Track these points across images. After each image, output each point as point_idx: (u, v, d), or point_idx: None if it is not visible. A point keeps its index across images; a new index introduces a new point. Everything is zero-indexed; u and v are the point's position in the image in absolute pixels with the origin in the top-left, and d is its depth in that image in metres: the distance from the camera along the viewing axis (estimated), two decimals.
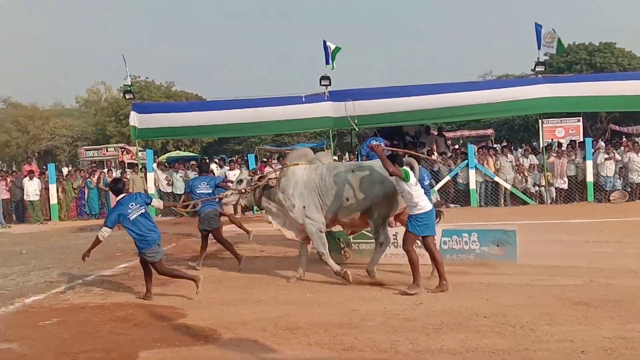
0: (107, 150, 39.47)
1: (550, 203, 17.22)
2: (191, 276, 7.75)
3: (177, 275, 7.87)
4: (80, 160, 40.56)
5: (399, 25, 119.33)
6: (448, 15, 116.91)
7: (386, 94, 17.48)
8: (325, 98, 17.77)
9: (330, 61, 17.77)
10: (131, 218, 7.44)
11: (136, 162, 22.27)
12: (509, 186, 17.31)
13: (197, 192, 9.72)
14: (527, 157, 18.00)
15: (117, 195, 7.77)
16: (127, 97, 20.07)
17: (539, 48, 17.35)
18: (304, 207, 8.27)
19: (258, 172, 9.07)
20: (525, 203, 17.18)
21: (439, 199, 17.66)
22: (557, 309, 6.27)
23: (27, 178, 18.91)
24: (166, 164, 23.29)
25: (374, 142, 9.74)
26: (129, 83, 19.89)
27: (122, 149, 37.46)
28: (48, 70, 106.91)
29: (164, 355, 5.39)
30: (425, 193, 8.76)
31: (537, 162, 17.70)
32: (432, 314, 6.29)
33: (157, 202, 8.36)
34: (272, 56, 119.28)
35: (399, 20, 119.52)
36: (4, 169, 25.30)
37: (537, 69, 17.70)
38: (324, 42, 17.87)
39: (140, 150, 23.30)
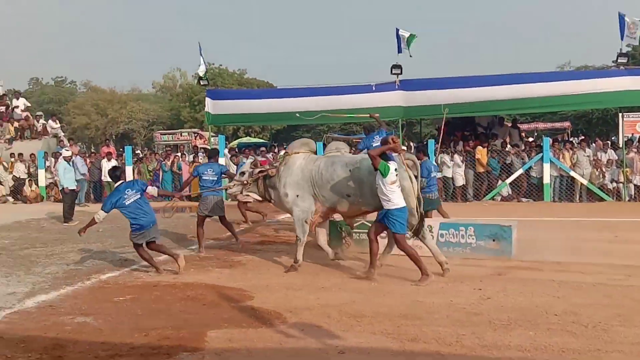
0: (181, 135, 40.45)
1: (628, 200, 16.47)
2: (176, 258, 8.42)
3: (151, 263, 8.49)
4: (155, 143, 41.80)
5: (473, 14, 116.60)
6: (525, 3, 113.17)
7: (458, 83, 17.16)
8: (396, 87, 17.62)
9: (402, 49, 17.58)
10: (126, 203, 8.15)
11: (209, 147, 22.78)
12: (585, 181, 16.66)
13: (203, 177, 10.17)
14: (605, 152, 17.30)
15: (115, 182, 8.57)
16: (201, 83, 20.57)
17: (622, 39, 16.53)
18: (297, 195, 8.51)
19: (259, 165, 9.59)
20: (601, 200, 16.50)
21: (510, 192, 17.26)
22: (633, 310, 6.02)
23: (105, 159, 19.70)
24: (237, 149, 23.72)
25: (377, 137, 9.67)
26: (204, 70, 20.32)
27: (196, 134, 38.39)
28: (126, 56, 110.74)
29: (232, 335, 5.52)
30: (433, 183, 9.99)
31: (616, 158, 16.96)
32: (500, 309, 6.17)
33: (151, 190, 8.91)
34: (342, 45, 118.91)
35: (473, 9, 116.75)
36: (84, 150, 26.50)
37: (619, 61, 16.88)
38: (397, 30, 17.70)
39: (212, 136, 23.79)
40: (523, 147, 18.17)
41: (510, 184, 17.20)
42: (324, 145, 19.85)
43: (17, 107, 23.62)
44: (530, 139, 25.16)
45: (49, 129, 23.31)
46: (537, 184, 17.08)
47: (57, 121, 25.13)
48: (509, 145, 17.95)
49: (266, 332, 5.63)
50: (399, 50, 17.72)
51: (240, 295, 7.08)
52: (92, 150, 28.42)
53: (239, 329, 5.74)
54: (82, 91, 72.97)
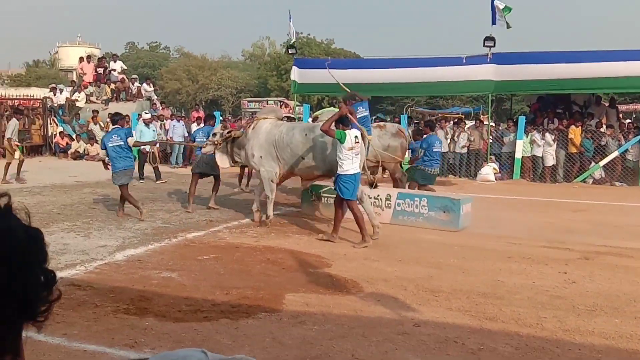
0: (267, 103, 40.94)
1: None
2: (139, 205, 9.68)
3: (131, 202, 9.75)
4: (242, 110, 42.60)
5: None
6: None
7: (555, 59, 16.34)
8: (488, 60, 16.99)
9: (497, 21, 16.89)
10: (109, 145, 9.66)
11: (293, 116, 22.95)
12: None
13: (197, 140, 11.63)
14: None
15: (112, 125, 10.26)
16: (290, 52, 20.61)
17: None
18: (260, 157, 9.29)
19: (228, 127, 10.76)
20: None
21: (603, 175, 16.45)
22: None
23: (195, 124, 20.27)
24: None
25: (360, 108, 9.49)
26: (293, 39, 20.33)
27: (281, 103, 38.81)
28: (218, 24, 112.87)
29: (309, 299, 5.61)
30: (434, 158, 10.55)
31: None
32: (584, 294, 5.94)
33: (130, 140, 10.04)
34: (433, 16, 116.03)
35: None
36: (181, 115, 27.34)
37: None
38: (492, 1, 16.99)
39: (297, 105, 23.96)
40: (620, 129, 17.21)
41: (603, 166, 16.37)
42: (409, 118, 19.70)
43: (114, 69, 24.62)
44: (628, 121, 23.77)
45: (143, 92, 24.17)
46: (633, 168, 16.16)
47: (151, 85, 25.98)
48: (604, 126, 17.05)
49: (342, 299, 5.69)
50: (493, 22, 17.00)
51: (318, 261, 7.17)
52: (183, 115, 29.28)
53: (316, 294, 5.82)
54: (175, 57, 75.12)
